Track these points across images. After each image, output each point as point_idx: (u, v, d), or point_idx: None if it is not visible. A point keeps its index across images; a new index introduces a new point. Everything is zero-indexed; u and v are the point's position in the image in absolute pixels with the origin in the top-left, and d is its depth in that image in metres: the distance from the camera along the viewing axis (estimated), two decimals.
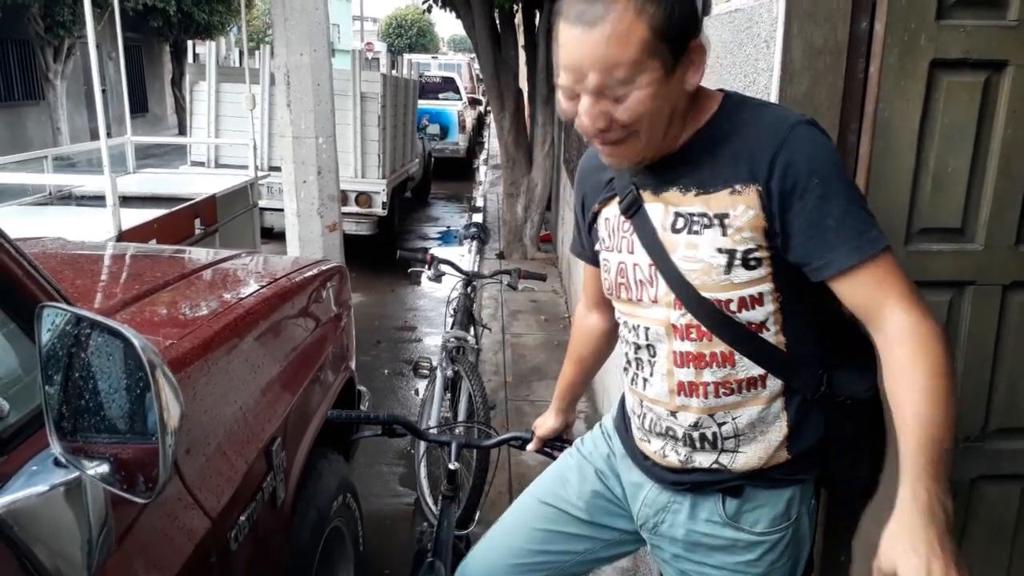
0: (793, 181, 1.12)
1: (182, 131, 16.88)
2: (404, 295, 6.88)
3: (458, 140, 14.26)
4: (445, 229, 9.98)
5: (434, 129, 13.08)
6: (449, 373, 3.34)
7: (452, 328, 3.54)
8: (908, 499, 1.02)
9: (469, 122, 15.42)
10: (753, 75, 1.73)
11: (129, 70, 6.26)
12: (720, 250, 1.17)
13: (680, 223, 1.21)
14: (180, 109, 20.21)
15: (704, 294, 1.20)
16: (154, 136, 15.81)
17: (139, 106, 20.34)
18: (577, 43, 1.08)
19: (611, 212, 1.33)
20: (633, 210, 1.26)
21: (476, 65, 15.33)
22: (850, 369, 1.26)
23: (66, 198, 5.12)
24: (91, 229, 3.88)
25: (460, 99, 15.25)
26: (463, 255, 4.24)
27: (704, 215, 1.18)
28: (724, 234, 1.17)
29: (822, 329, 1.27)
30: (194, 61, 8.97)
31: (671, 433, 1.32)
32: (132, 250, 2.71)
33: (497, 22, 7.39)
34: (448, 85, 15.67)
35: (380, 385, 4.70)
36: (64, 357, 0.93)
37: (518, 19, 7.86)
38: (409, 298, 6.84)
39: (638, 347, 1.32)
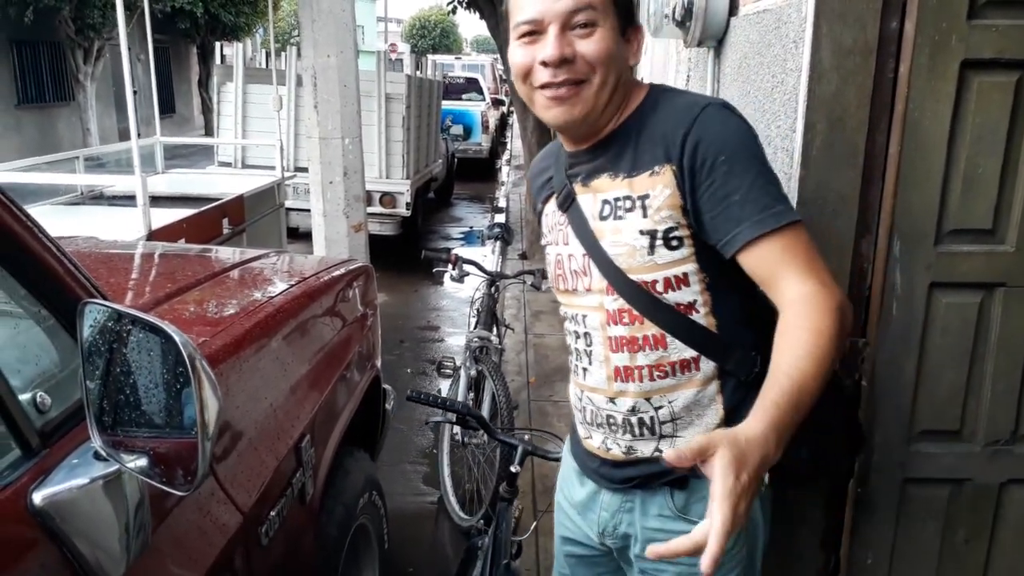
0: (702, 159, 1.15)
1: (209, 132, 17.06)
2: (427, 295, 6.91)
3: (481, 141, 14.28)
4: (468, 229, 10.00)
5: (457, 130, 13.11)
6: (472, 373, 3.36)
7: (475, 328, 3.56)
8: (759, 438, 0.94)
9: (492, 123, 15.44)
10: (781, 75, 1.73)
11: (157, 72, 6.34)
12: (642, 231, 1.21)
13: (606, 210, 1.26)
14: (207, 110, 20.42)
15: (632, 276, 1.23)
16: (182, 136, 15.99)
17: (167, 107, 20.58)
18: None
19: (550, 208, 1.40)
20: (568, 203, 1.32)
21: (499, 66, 15.33)
22: None
23: (97, 198, 5.20)
24: (122, 228, 3.94)
25: (483, 100, 15.27)
26: (486, 255, 4.26)
27: (628, 198, 1.23)
28: (645, 215, 1.21)
29: (754, 312, 1.26)
30: (221, 62, 9.08)
31: (611, 421, 1.34)
32: (162, 249, 2.76)
33: None
34: (471, 86, 15.71)
35: (404, 384, 4.72)
36: (105, 352, 0.95)
37: None
38: (432, 298, 6.87)
39: (577, 336, 1.36)
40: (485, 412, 3.31)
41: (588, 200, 1.29)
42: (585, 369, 1.36)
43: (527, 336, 5.46)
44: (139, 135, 4.16)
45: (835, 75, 1.58)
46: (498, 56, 8.28)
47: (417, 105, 7.88)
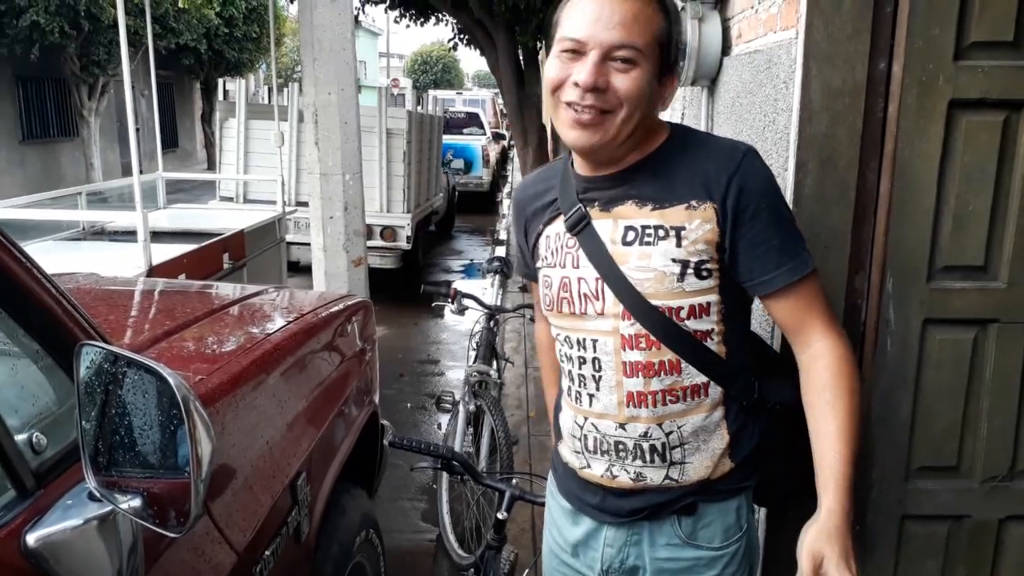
0: (746, 203, 1.23)
1: (211, 166, 17.21)
2: (427, 328, 6.91)
3: (482, 174, 14.39)
4: (468, 262, 10.04)
5: (458, 163, 13.21)
6: (472, 407, 3.35)
7: (475, 362, 3.56)
8: (835, 508, 1.18)
9: (493, 156, 15.57)
10: (773, 115, 1.76)
11: (160, 107, 6.42)
12: (674, 260, 1.24)
13: (631, 236, 1.27)
14: (209, 144, 20.61)
15: (654, 302, 1.25)
16: (184, 171, 16.12)
17: (169, 142, 20.77)
18: (607, 7, 1.17)
19: (554, 230, 1.38)
20: (580, 226, 1.32)
21: (500, 100, 15.51)
22: (774, 377, 1.37)
23: (99, 233, 5.23)
24: (123, 264, 3.96)
25: (484, 134, 15.42)
26: (486, 288, 4.28)
27: (660, 227, 1.25)
28: (679, 245, 1.24)
29: (751, 339, 1.41)
30: (224, 98, 9.18)
31: (620, 448, 1.34)
32: (162, 285, 2.77)
33: (521, 59, 7.51)
34: (472, 120, 15.88)
35: (403, 419, 4.71)
36: (100, 393, 0.96)
37: (541, 56, 7.97)
38: (432, 331, 6.88)
39: (582, 361, 1.34)
40: (484, 447, 3.30)
41: (606, 225, 1.29)
42: (591, 395, 1.35)
43: (527, 370, 5.45)
44: (141, 170, 4.20)
45: (825, 115, 1.61)
46: (498, 91, 8.37)
47: (418, 140, 7.96)
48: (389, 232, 7.45)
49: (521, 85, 7.37)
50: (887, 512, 1.78)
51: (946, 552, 1.79)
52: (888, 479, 1.76)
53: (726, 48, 2.14)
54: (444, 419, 3.93)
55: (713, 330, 1.29)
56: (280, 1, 16.01)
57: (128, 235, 4.62)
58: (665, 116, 3.09)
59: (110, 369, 0.95)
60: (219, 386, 1.51)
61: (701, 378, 1.30)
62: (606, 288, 1.28)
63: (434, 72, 42.82)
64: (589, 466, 1.39)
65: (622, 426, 1.33)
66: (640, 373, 1.29)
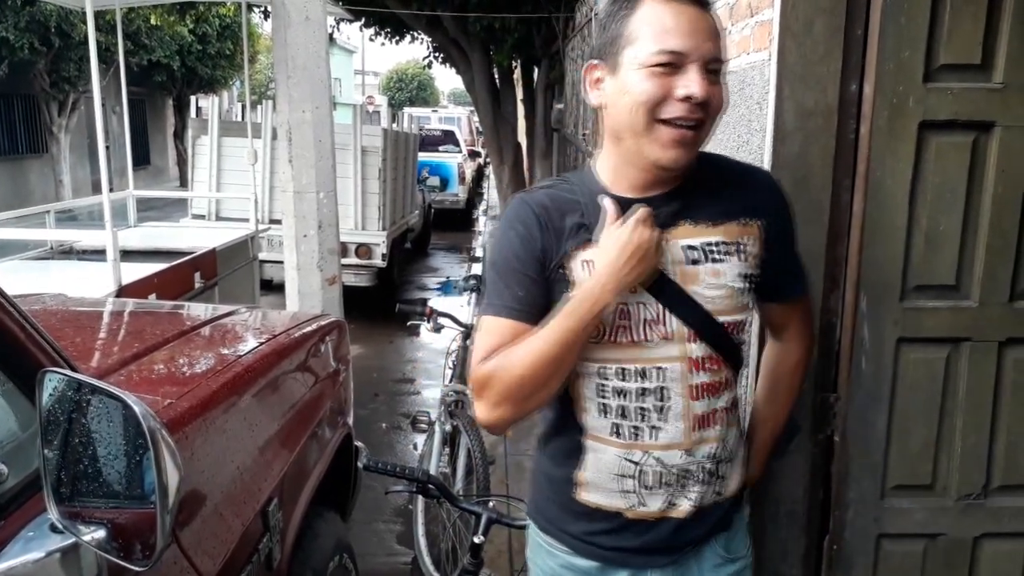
0: (781, 222, 1.32)
1: (184, 183, 17.02)
2: (403, 346, 6.86)
3: (458, 191, 14.39)
4: (444, 280, 10.00)
5: (434, 181, 13.20)
6: (448, 427, 3.32)
7: (451, 381, 3.53)
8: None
9: (468, 174, 15.59)
10: (747, 135, 1.77)
11: (132, 123, 6.36)
12: (741, 275, 1.26)
13: (696, 254, 1.24)
14: (182, 161, 20.41)
15: (721, 319, 1.24)
16: (156, 189, 15.93)
17: (142, 158, 20.55)
18: (695, 17, 1.16)
19: (591, 255, 1.23)
20: None
21: (476, 118, 15.57)
22: None
23: (67, 252, 5.14)
24: (91, 284, 3.89)
25: (460, 151, 15.43)
26: (462, 306, 4.25)
27: (723, 243, 1.25)
28: (743, 260, 1.26)
29: None
30: (197, 115, 9.11)
31: (685, 475, 1.28)
32: (131, 306, 2.72)
33: (496, 78, 7.54)
34: (448, 138, 15.88)
35: (378, 440, 4.66)
36: (64, 422, 0.93)
37: (516, 75, 8.01)
38: (408, 349, 6.83)
39: (642, 393, 1.25)
40: (460, 468, 3.26)
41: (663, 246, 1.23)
42: (654, 428, 1.26)
43: None
44: (112, 188, 4.15)
45: (799, 135, 1.62)
46: (474, 109, 8.40)
47: (393, 157, 7.94)
48: (364, 250, 7.40)
49: (497, 103, 7.40)
50: (864, 531, 1.78)
51: (922, 570, 1.80)
52: (864, 497, 1.77)
53: None
54: (420, 439, 3.89)
55: (745, 341, 1.34)
56: (254, 19, 15.95)
57: (97, 254, 4.54)
58: None
59: (74, 397, 0.92)
60: (188, 410, 1.48)
61: (739, 389, 1.36)
62: (667, 311, 1.23)
63: (409, 90, 42.88)
64: (644, 504, 1.28)
65: (689, 452, 1.27)
66: (707, 394, 1.26)
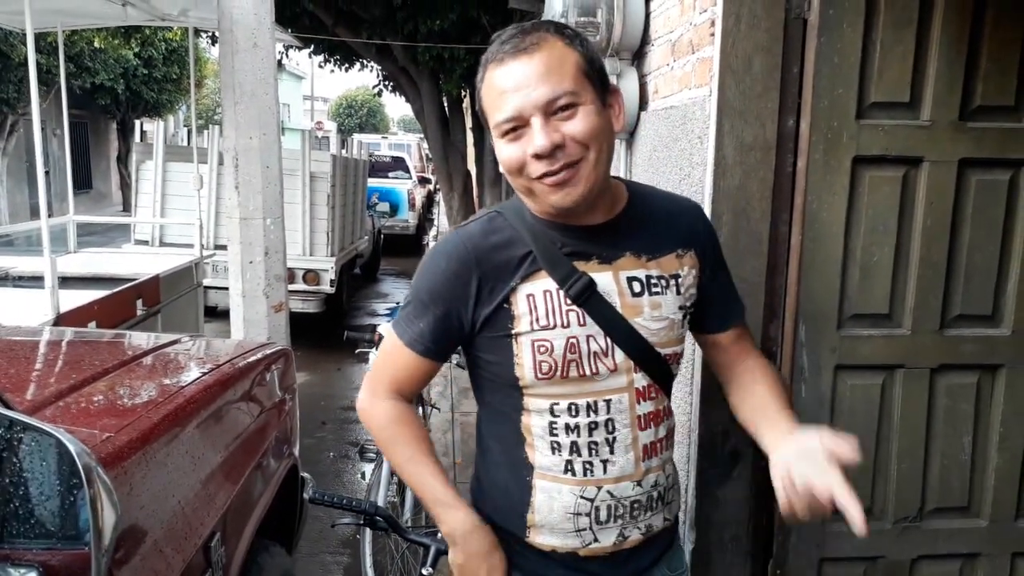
0: (712, 250, 1.36)
1: (127, 208, 16.67)
2: (351, 373, 6.79)
3: (408, 218, 14.38)
4: (394, 305, 9.93)
5: (384, 207, 13.17)
6: None
7: None
8: (796, 428, 1.25)
9: (419, 200, 15.59)
10: (688, 168, 1.81)
11: (74, 147, 6.21)
12: (679, 307, 1.30)
13: (637, 287, 1.26)
14: (125, 186, 19.98)
15: (661, 351, 1.27)
16: (98, 214, 15.55)
17: (83, 182, 20.06)
18: (520, 71, 1.14)
19: (539, 288, 1.24)
20: (585, 286, 1.23)
21: (425, 145, 15.60)
22: None
23: (3, 279, 4.97)
24: (28, 312, 3.76)
25: (410, 178, 15.45)
26: None
27: (661, 277, 1.28)
28: (679, 293, 1.29)
29: None
30: (142, 139, 8.95)
31: (635, 506, 1.29)
32: (70, 335, 2.65)
33: (446, 106, 7.58)
34: (398, 164, 15.89)
35: (325, 469, 4.59)
36: None
37: (466, 103, 8.07)
38: (356, 376, 6.75)
39: (592, 427, 1.25)
40: (409, 498, 3.23)
41: (606, 278, 1.24)
42: (605, 461, 1.26)
43: (453, 415, 5.39)
44: (51, 213, 4.04)
45: (738, 169, 1.67)
46: (423, 136, 8.43)
47: (342, 183, 7.90)
48: (312, 276, 7.33)
49: (446, 132, 7.44)
50: (806, 555, 1.81)
51: None
52: (806, 523, 1.80)
53: (643, 103, 2.20)
54: (368, 468, 3.84)
55: (678, 374, 1.36)
56: (202, 44, 15.77)
57: (35, 280, 4.40)
58: None
59: (4, 434, 0.89)
60: (128, 444, 1.43)
61: (683, 416, 1.39)
62: (614, 343, 1.24)
63: (359, 116, 42.74)
64: (596, 540, 1.28)
65: (638, 483, 1.29)
66: (652, 423, 1.30)
